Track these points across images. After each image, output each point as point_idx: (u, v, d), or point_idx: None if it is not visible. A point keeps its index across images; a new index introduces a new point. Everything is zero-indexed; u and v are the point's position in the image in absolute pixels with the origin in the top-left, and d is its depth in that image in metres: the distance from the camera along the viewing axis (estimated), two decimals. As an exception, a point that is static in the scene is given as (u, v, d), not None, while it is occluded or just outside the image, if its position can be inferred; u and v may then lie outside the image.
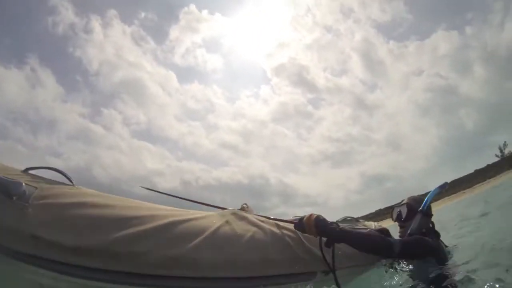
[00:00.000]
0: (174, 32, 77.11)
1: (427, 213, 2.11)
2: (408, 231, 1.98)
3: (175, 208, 1.64)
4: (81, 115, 66.66)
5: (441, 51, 71.74)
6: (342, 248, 1.66)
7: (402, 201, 2.24)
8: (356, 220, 2.50)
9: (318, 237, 1.61)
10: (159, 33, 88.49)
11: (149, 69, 70.94)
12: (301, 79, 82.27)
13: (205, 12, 74.86)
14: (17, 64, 65.02)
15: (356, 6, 77.10)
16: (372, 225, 2.43)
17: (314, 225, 1.59)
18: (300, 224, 1.64)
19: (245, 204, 1.97)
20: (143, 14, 73.29)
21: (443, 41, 72.93)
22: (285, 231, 1.65)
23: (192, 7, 71.65)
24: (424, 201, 2.13)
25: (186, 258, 1.27)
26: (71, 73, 78.15)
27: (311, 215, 1.63)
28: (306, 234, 1.63)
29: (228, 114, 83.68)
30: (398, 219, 2.17)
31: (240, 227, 1.52)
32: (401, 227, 2.14)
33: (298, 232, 1.66)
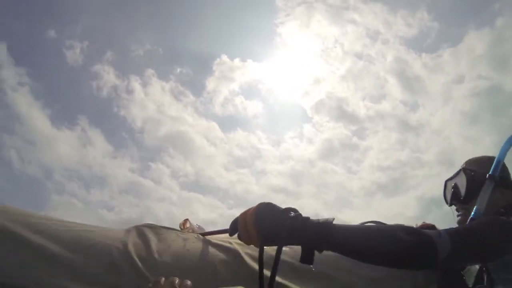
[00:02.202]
0: (210, 83, 78.99)
1: (504, 180, 1.24)
2: (472, 215, 1.15)
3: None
4: (130, 170, 69.90)
5: (477, 52, 65.68)
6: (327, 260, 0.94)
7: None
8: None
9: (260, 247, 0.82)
10: (196, 86, 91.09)
11: (191, 121, 72.69)
12: (341, 112, 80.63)
13: (237, 61, 77.38)
14: (69, 125, 67.80)
15: (381, 27, 75.45)
16: None
17: (254, 228, 0.80)
18: (233, 227, 0.86)
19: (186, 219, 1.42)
20: (178, 70, 76.60)
21: (476, 40, 66.81)
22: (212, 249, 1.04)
23: (224, 57, 74.00)
24: (495, 161, 1.23)
25: None
26: (118, 131, 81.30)
27: (248, 209, 0.84)
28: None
29: (275, 158, 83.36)
30: (454, 198, 1.32)
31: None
32: (459, 210, 1.32)
33: (237, 246, 1.06)
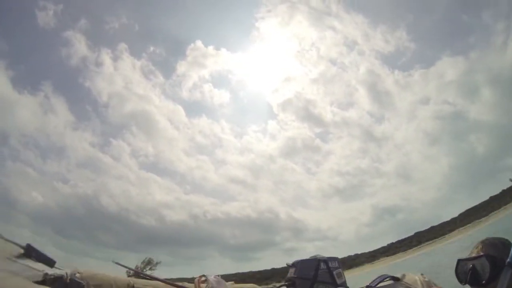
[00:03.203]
0: (181, 67, 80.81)
1: None
2: None
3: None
4: (90, 144, 68.53)
5: (447, 78, 72.93)
6: None
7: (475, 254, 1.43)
8: (396, 279, 1.88)
9: None
10: (167, 68, 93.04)
11: (157, 102, 73.81)
12: (308, 114, 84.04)
13: (211, 48, 78.09)
14: (32, 90, 69.70)
15: (360, 38, 79.59)
16: (418, 281, 1.83)
17: None
18: None
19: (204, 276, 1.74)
20: (151, 49, 77.42)
21: (448, 67, 74.29)
22: None
23: (199, 43, 75.14)
24: None
25: None
26: (82, 102, 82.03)
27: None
28: None
29: (236, 149, 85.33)
30: (475, 282, 1.37)
31: None
32: None
33: None
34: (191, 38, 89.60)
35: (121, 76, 75.16)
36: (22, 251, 1.91)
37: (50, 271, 1.79)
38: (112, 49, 75.83)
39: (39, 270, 1.59)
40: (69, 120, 71.42)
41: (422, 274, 1.95)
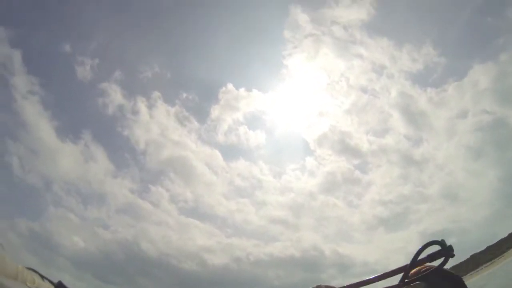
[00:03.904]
0: (215, 111, 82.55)
1: None
2: None
3: None
4: (130, 191, 71.22)
5: (481, 86, 68.42)
6: None
7: None
8: None
9: None
10: (201, 113, 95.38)
11: (194, 148, 75.56)
12: (344, 146, 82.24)
13: (242, 90, 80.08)
14: (73, 139, 74.73)
15: (387, 61, 78.14)
16: None
17: None
18: None
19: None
20: (184, 95, 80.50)
21: (481, 74, 69.46)
22: None
23: (230, 86, 77.31)
24: None
25: None
26: (121, 150, 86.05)
27: None
28: None
29: (276, 189, 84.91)
30: None
31: None
32: None
33: None
34: (222, 82, 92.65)
35: (156, 124, 78.60)
36: (52, 287, 1.90)
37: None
38: (146, 97, 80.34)
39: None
40: (109, 168, 75.12)
41: None
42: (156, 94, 75.13)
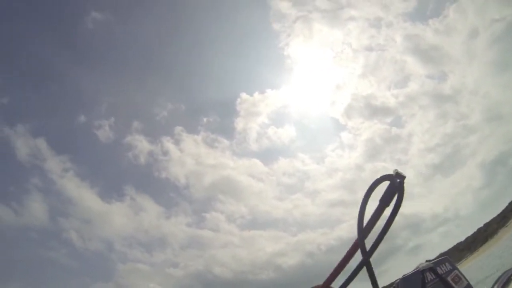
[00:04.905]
0: (239, 124, 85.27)
1: None
2: None
3: None
4: (187, 225, 71.85)
5: None
6: None
7: None
8: None
9: None
10: (226, 130, 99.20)
11: (232, 164, 76.93)
12: (372, 109, 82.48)
13: (256, 94, 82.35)
14: (118, 197, 77.76)
15: (380, 12, 79.27)
16: None
17: None
18: None
19: None
20: (205, 120, 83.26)
21: None
22: None
23: (244, 95, 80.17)
24: None
25: None
26: (165, 192, 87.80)
27: None
28: None
29: (323, 174, 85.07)
30: None
31: None
32: None
33: None
34: (235, 94, 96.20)
35: (189, 156, 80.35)
36: None
37: None
38: (170, 135, 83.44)
39: None
40: (159, 212, 77.17)
41: None
42: (178, 129, 77.43)
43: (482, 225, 53.28)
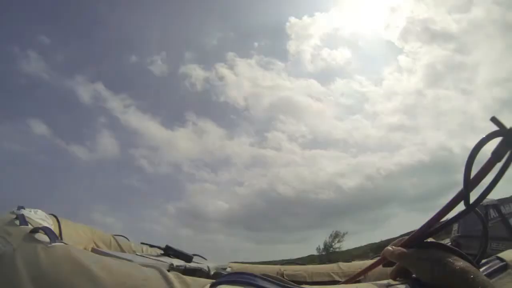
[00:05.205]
0: (291, 47, 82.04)
1: None
2: None
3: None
4: (250, 145, 77.80)
5: None
6: None
7: None
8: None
9: None
10: (279, 53, 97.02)
11: (289, 85, 77.06)
12: (431, 34, 72.33)
13: (305, 17, 77.74)
14: (180, 124, 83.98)
15: None
16: None
17: None
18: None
19: None
20: (256, 44, 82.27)
21: None
22: None
23: (292, 19, 75.76)
24: None
25: None
26: (226, 115, 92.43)
27: None
28: None
29: (381, 97, 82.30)
30: None
31: None
32: None
33: None
34: (283, 19, 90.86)
35: (245, 79, 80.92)
36: (161, 251, 2.04)
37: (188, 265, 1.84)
38: (224, 62, 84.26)
39: (171, 264, 1.62)
40: (222, 134, 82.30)
41: None
42: (230, 54, 77.24)
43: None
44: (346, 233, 42.60)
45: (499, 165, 1.19)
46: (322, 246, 42.62)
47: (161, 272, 0.85)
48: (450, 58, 66.19)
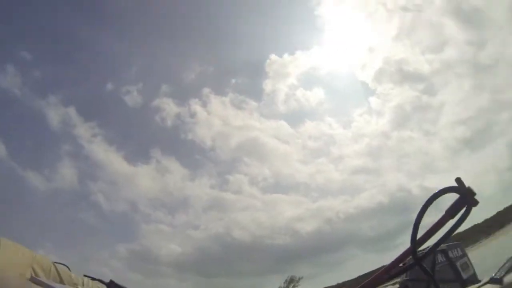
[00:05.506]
0: (267, 85, 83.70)
1: None
2: None
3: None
4: (210, 187, 75.05)
5: None
6: None
7: None
8: None
9: None
10: (255, 92, 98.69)
11: (258, 126, 77.31)
12: (404, 74, 78.11)
13: (286, 56, 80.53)
14: (144, 160, 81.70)
15: None
16: None
17: None
18: None
19: None
20: (233, 81, 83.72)
21: None
22: None
23: (273, 56, 78.13)
24: None
25: None
26: (191, 154, 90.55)
27: None
28: None
29: (349, 139, 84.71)
30: None
31: None
32: None
33: None
34: (264, 56, 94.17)
35: (216, 117, 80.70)
36: (104, 286, 1.90)
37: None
38: (198, 97, 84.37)
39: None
40: (185, 174, 79.65)
41: None
42: (206, 90, 77.50)
43: (502, 208, 51.51)
44: (302, 277, 42.29)
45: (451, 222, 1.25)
46: (276, 292, 41.73)
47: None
48: (418, 99, 71.51)
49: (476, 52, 66.46)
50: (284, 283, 41.40)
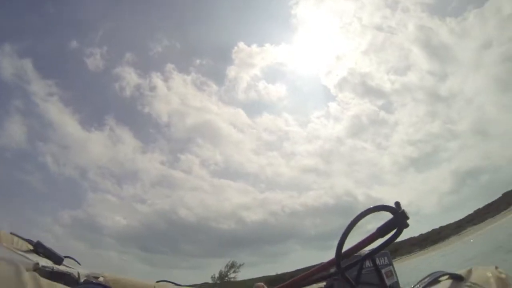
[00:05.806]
0: (231, 72, 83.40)
1: None
2: None
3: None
4: (160, 163, 73.54)
5: (505, 12, 64.31)
6: None
7: None
8: (459, 278, 1.34)
9: None
10: (217, 76, 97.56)
11: (216, 110, 76.82)
12: (366, 88, 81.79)
13: (254, 46, 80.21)
14: (98, 127, 77.91)
15: None
16: (491, 278, 1.32)
17: None
18: None
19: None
20: (198, 62, 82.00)
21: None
22: None
23: (241, 44, 77.62)
24: None
25: None
26: (145, 127, 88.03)
27: None
28: None
29: (303, 139, 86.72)
30: None
31: None
32: None
33: None
34: (233, 42, 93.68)
35: (175, 94, 79.01)
36: (31, 247, 1.81)
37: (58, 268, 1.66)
38: (161, 72, 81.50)
39: (37, 263, 1.43)
40: (137, 146, 77.69)
41: (496, 268, 1.40)
42: (169, 66, 75.77)
43: (438, 227, 56.16)
44: (243, 264, 43.36)
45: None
46: (217, 275, 42.43)
47: (17, 271, 0.75)
48: (375, 113, 75.00)
49: (436, 83, 71.40)
50: (225, 267, 42.17)
